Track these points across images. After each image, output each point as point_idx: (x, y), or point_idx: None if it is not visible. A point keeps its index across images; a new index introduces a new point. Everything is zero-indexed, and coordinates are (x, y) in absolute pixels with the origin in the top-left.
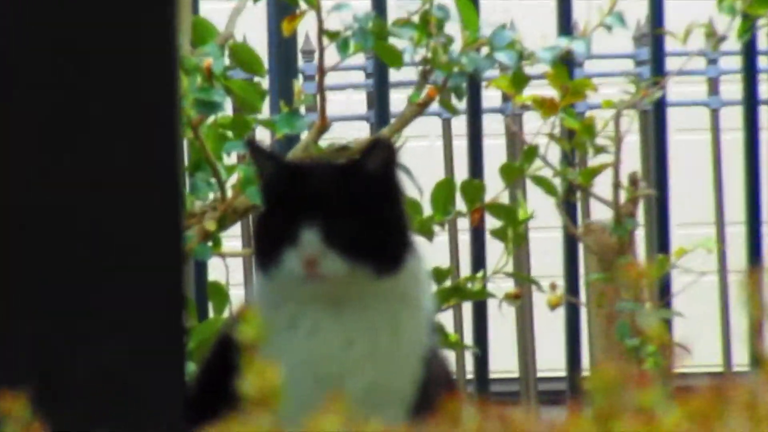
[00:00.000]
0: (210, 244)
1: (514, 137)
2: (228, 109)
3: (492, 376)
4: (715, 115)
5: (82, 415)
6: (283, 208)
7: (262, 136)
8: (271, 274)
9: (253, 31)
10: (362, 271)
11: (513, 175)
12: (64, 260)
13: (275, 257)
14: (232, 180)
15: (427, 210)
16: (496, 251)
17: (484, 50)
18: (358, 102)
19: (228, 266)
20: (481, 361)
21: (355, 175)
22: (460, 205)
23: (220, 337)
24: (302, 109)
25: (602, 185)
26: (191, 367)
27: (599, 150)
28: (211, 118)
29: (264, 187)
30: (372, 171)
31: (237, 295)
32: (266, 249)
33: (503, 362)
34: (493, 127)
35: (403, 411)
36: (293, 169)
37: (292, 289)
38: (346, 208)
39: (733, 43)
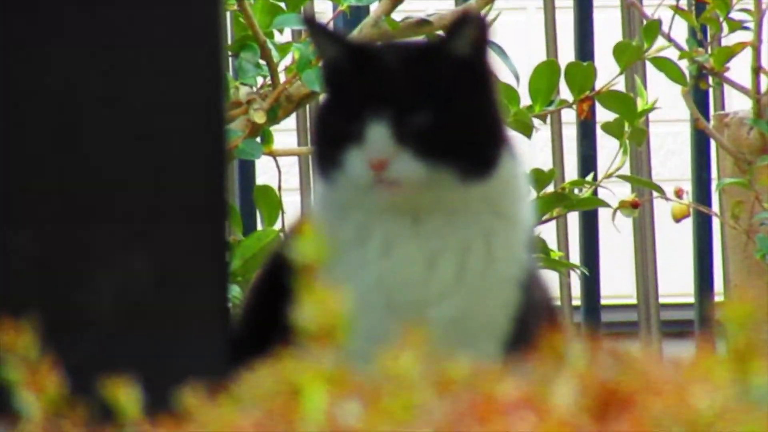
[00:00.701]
0: (259, 140)
1: (631, 10)
2: None
3: (604, 302)
4: None
5: (103, 351)
6: (348, 99)
7: (323, 8)
8: (333, 178)
9: None
10: (444, 175)
11: (630, 56)
12: (71, 153)
13: (337, 158)
14: (286, 62)
15: (525, 99)
16: (609, 150)
17: None
18: None
19: (281, 168)
20: (591, 284)
21: (437, 59)
22: (565, 93)
23: (271, 254)
24: None
25: (739, 69)
26: (236, 291)
27: (735, 26)
28: None
29: (326, 72)
30: (459, 54)
31: (291, 202)
32: (327, 148)
33: (618, 285)
34: None
35: (496, 346)
36: (362, 50)
37: (359, 198)
38: (423, 99)
39: None
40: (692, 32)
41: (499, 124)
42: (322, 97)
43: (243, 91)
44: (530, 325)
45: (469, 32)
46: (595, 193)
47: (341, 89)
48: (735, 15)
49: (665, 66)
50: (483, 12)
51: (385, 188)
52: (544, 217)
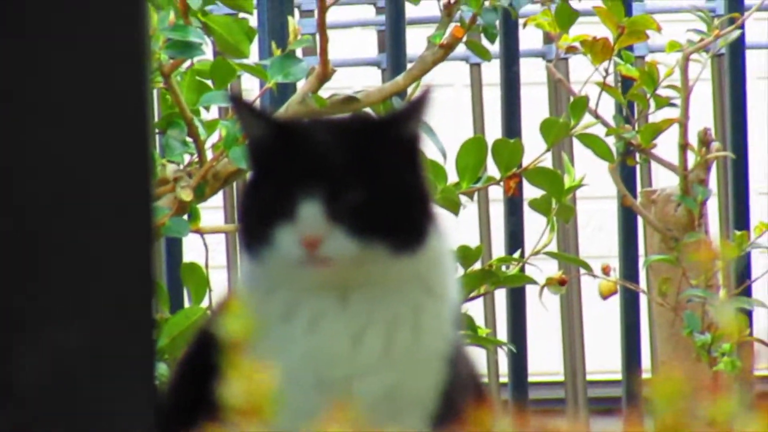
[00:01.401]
0: (186, 217)
1: (558, 87)
2: (207, 53)
3: (531, 378)
4: None
5: (27, 425)
6: (276, 176)
7: (250, 86)
8: (262, 256)
9: None
10: (376, 251)
11: (557, 133)
12: (2, 228)
13: (267, 236)
14: (213, 139)
15: (452, 176)
16: (536, 227)
17: None
18: (367, 43)
19: (208, 245)
20: (519, 361)
21: (375, 136)
22: (493, 170)
23: (198, 332)
24: (299, 52)
25: (667, 146)
26: (163, 369)
27: (663, 102)
28: (186, 63)
29: (252, 150)
30: (407, 134)
31: (219, 280)
32: (256, 225)
33: (545, 362)
34: (534, 74)
35: (423, 421)
36: (290, 127)
37: (289, 275)
38: (355, 176)
39: None
40: (619, 109)
41: (428, 200)
42: (248, 175)
43: (170, 169)
44: (457, 401)
45: (422, 110)
46: (522, 269)
47: (269, 167)
48: (662, 91)
49: (592, 142)
50: (410, 89)
51: (317, 266)
52: (472, 294)
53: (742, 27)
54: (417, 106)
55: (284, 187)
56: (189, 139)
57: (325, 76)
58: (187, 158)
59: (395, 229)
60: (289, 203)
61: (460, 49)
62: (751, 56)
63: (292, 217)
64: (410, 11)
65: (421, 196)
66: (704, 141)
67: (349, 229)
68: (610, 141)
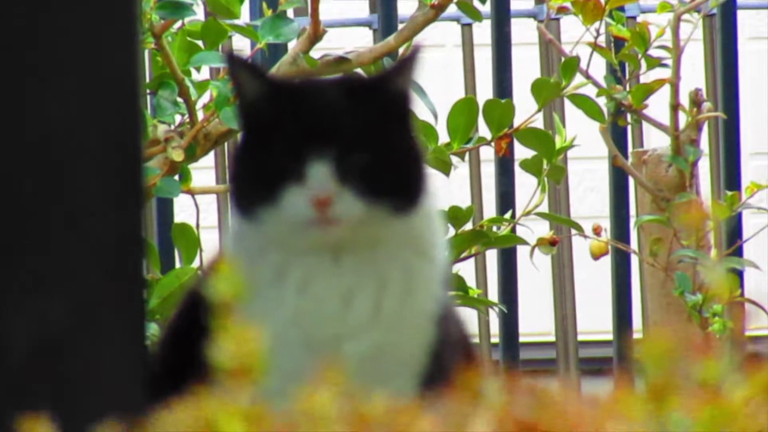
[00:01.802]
0: (177, 178)
1: (549, 47)
2: (198, 14)
3: (522, 339)
4: None
5: (18, 392)
6: (277, 137)
7: (241, 46)
8: (261, 217)
9: None
10: (378, 211)
11: (548, 93)
12: None
13: (270, 196)
14: (204, 100)
15: (443, 137)
16: (527, 187)
17: None
18: (358, 3)
19: (199, 206)
20: (510, 322)
21: (377, 95)
22: (484, 130)
23: (188, 292)
24: (290, 13)
25: (658, 106)
26: (153, 329)
27: (654, 63)
28: (177, 24)
29: (247, 110)
30: (398, 90)
31: (210, 240)
32: (254, 187)
33: (536, 323)
34: (525, 34)
35: (412, 382)
36: (287, 88)
37: (292, 235)
38: (363, 136)
39: None
40: (610, 69)
41: (422, 159)
42: (240, 135)
43: (161, 129)
44: (447, 362)
45: (411, 67)
46: (513, 230)
47: (268, 127)
48: (653, 52)
49: (583, 103)
50: (401, 50)
51: (325, 226)
52: (463, 255)
53: None
54: (405, 64)
55: (290, 148)
56: (180, 100)
57: (316, 36)
58: (178, 119)
59: (396, 190)
60: (297, 164)
61: (451, 9)
62: (742, 17)
63: (301, 178)
64: None
65: (417, 156)
66: (695, 101)
67: (357, 190)
68: (601, 101)
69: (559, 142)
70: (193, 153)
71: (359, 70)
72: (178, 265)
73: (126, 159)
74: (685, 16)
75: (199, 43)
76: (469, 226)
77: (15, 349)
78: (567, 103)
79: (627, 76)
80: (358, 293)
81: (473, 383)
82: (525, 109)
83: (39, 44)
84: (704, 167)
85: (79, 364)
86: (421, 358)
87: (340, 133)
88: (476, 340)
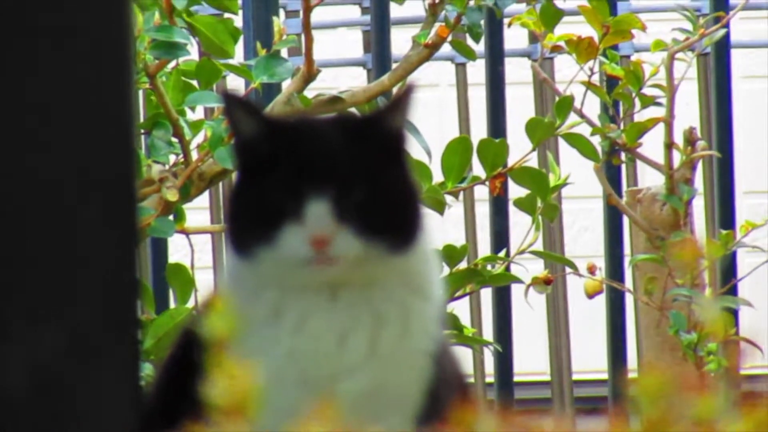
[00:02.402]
0: (171, 218)
1: (543, 86)
2: (192, 53)
3: (517, 378)
4: None
5: (13, 426)
6: (274, 176)
7: (235, 86)
8: (259, 256)
9: None
10: (375, 250)
11: (543, 132)
12: None
13: (267, 235)
14: (198, 139)
15: (438, 176)
16: (521, 226)
17: None
18: (352, 43)
19: (193, 245)
20: (504, 361)
21: (372, 132)
22: (478, 169)
23: (183, 331)
24: (284, 53)
25: (652, 145)
26: (148, 369)
27: (648, 101)
28: (171, 64)
29: (243, 149)
30: (393, 127)
31: (204, 280)
32: (251, 226)
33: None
34: (519, 74)
35: (407, 420)
36: (284, 127)
37: (289, 274)
38: (360, 174)
39: None
40: (604, 108)
41: (418, 198)
42: (236, 175)
43: (155, 169)
44: (442, 400)
45: (406, 105)
46: (507, 269)
47: (264, 166)
48: (647, 91)
49: (578, 142)
50: (395, 89)
51: (323, 265)
52: (457, 293)
53: (727, 26)
54: (400, 103)
55: (288, 187)
56: (174, 140)
57: (310, 76)
58: (172, 158)
59: (393, 228)
60: (295, 202)
61: (445, 48)
62: (736, 55)
63: (299, 217)
64: (395, 11)
65: (413, 194)
66: (690, 140)
67: (355, 229)
68: (596, 140)
69: (553, 181)
70: (187, 193)
71: (353, 110)
72: (172, 305)
73: (121, 198)
74: (679, 55)
75: (194, 82)
76: (463, 265)
77: (8, 385)
78: (561, 141)
79: (621, 115)
80: (354, 331)
81: (468, 421)
82: (519, 148)
83: (33, 83)
84: (699, 206)
85: (74, 401)
86: (416, 396)
87: (338, 172)
88: (471, 379)
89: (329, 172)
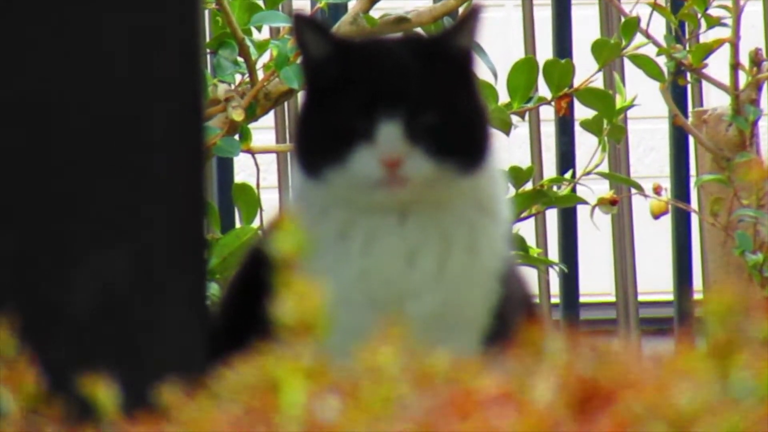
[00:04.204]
0: (237, 137)
1: (609, 6)
2: None
3: (582, 299)
4: None
5: (80, 348)
6: (344, 97)
7: (301, 5)
8: (329, 176)
9: None
10: (446, 171)
11: (608, 53)
12: (47, 148)
13: (337, 156)
14: (264, 59)
15: (503, 96)
16: (587, 147)
17: None
18: None
19: (259, 165)
20: (570, 282)
21: (442, 54)
22: (544, 90)
23: (250, 251)
24: None
25: (718, 65)
26: (214, 289)
27: (713, 22)
28: None
29: (312, 70)
30: (461, 47)
31: (269, 200)
32: (321, 146)
33: (596, 282)
34: None
35: (475, 340)
36: (356, 48)
37: (358, 196)
38: (428, 97)
39: None
40: (670, 29)
41: (487, 118)
42: (301, 95)
43: (221, 89)
44: (510, 320)
45: (473, 25)
46: (573, 190)
47: (335, 87)
48: (713, 11)
49: (643, 63)
50: (461, 9)
51: (395, 186)
52: (523, 214)
53: None
54: (467, 23)
55: (359, 108)
56: (240, 59)
57: None
58: (238, 78)
59: (463, 149)
60: (367, 124)
61: None
62: None
63: (371, 138)
64: None
65: (482, 115)
66: (755, 61)
67: (426, 150)
68: (661, 61)
69: (619, 102)
70: (253, 113)
71: (419, 30)
72: (238, 224)
73: (187, 117)
74: None
75: (260, 2)
76: (529, 186)
77: (77, 304)
78: (627, 62)
79: (687, 36)
80: (422, 252)
81: (536, 341)
82: (585, 69)
83: (102, 7)
84: (764, 126)
85: (141, 321)
86: (484, 317)
87: (409, 93)
88: (536, 300)
89: (400, 93)
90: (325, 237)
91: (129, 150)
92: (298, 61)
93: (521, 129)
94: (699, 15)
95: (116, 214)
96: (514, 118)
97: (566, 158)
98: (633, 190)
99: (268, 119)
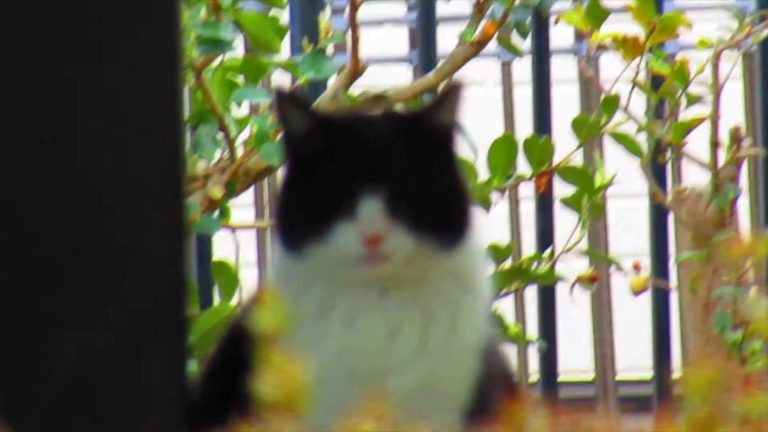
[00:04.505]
0: (216, 214)
1: (589, 84)
2: (239, 49)
3: (562, 377)
4: None
5: (59, 419)
6: (326, 172)
7: (281, 82)
8: (310, 252)
9: None
10: (427, 248)
11: (588, 130)
12: (36, 224)
13: (318, 232)
14: (244, 135)
15: (483, 174)
16: (567, 224)
17: None
18: (398, 40)
19: (238, 242)
20: (549, 358)
21: (423, 129)
22: (524, 167)
23: (230, 327)
24: (330, 49)
25: (697, 143)
26: (193, 366)
27: (693, 99)
28: (217, 60)
29: (294, 145)
30: (442, 123)
31: (248, 277)
32: (302, 222)
33: (575, 360)
34: (564, 71)
35: (456, 416)
36: (338, 123)
37: (339, 271)
38: (411, 172)
39: None
40: (650, 106)
41: (469, 195)
42: (281, 171)
43: (201, 165)
44: (491, 396)
45: (452, 102)
46: (553, 267)
47: (316, 162)
48: (693, 89)
49: (624, 140)
50: (441, 87)
51: (376, 263)
52: (502, 291)
53: None
54: (449, 98)
55: (341, 183)
56: (220, 136)
57: (356, 72)
58: (218, 154)
59: (445, 226)
60: (348, 199)
61: (491, 46)
62: None
63: (352, 214)
64: (441, 8)
65: (463, 192)
66: (735, 138)
67: (407, 226)
68: (641, 138)
69: (599, 179)
70: (232, 189)
71: (399, 106)
72: (216, 301)
73: (169, 194)
74: (725, 53)
75: (240, 78)
76: (508, 263)
77: (58, 375)
78: (607, 139)
79: (667, 113)
80: (404, 327)
81: (517, 417)
82: (565, 146)
83: (84, 81)
84: (744, 204)
85: (121, 394)
86: (465, 393)
87: (391, 169)
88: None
89: (382, 169)
90: (306, 313)
91: (112, 225)
92: (278, 137)
93: (501, 206)
94: (679, 92)
95: (100, 288)
96: (494, 195)
97: (546, 235)
98: (612, 268)
99: (248, 195)
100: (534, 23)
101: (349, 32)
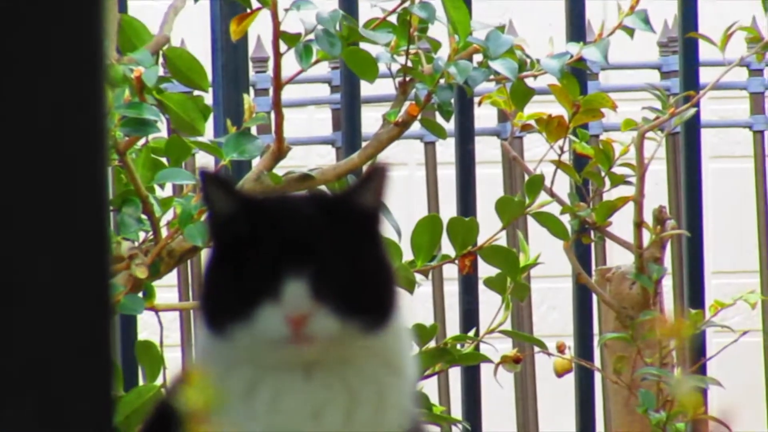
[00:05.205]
0: (141, 295)
1: (513, 165)
2: (162, 130)
3: None
4: (759, 138)
5: None
6: (250, 253)
7: (204, 163)
8: (234, 334)
9: (194, 34)
10: (352, 329)
11: (513, 211)
12: None
13: (243, 314)
14: (168, 216)
15: (408, 254)
16: (491, 305)
17: (477, 58)
18: (321, 121)
19: (162, 323)
20: None
21: (346, 211)
22: (447, 248)
23: (155, 407)
24: (254, 130)
25: (622, 224)
26: None
27: (618, 180)
28: (141, 141)
29: (219, 227)
30: (365, 206)
31: (173, 358)
32: (227, 304)
33: None
34: (488, 152)
35: None
36: (262, 205)
37: (264, 353)
38: (336, 254)
39: None
40: (574, 187)
41: (394, 276)
42: (205, 253)
43: (125, 246)
44: None
45: (377, 184)
46: (477, 348)
47: (241, 244)
48: (617, 169)
49: (548, 221)
50: (365, 167)
51: (300, 344)
52: (427, 372)
53: (697, 105)
54: (371, 181)
55: (265, 265)
56: (144, 217)
57: (280, 153)
58: (142, 236)
59: (370, 307)
60: (273, 281)
61: (414, 127)
62: (706, 135)
63: (276, 295)
64: (365, 89)
65: (388, 273)
66: (659, 219)
67: (332, 308)
68: (565, 219)
69: (523, 260)
70: (157, 270)
71: (323, 187)
72: (141, 382)
73: (94, 275)
74: (649, 134)
75: (163, 159)
76: (432, 344)
77: None
78: (531, 221)
79: (591, 194)
80: (328, 408)
81: None
82: (489, 227)
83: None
84: (668, 285)
85: None
86: None
87: (315, 251)
88: None
89: (306, 250)
90: (231, 394)
91: (36, 306)
92: (203, 218)
93: (425, 287)
94: (603, 173)
95: (22, 370)
96: (418, 276)
97: (470, 316)
98: (536, 349)
99: (172, 277)
100: (458, 104)
101: (273, 113)
